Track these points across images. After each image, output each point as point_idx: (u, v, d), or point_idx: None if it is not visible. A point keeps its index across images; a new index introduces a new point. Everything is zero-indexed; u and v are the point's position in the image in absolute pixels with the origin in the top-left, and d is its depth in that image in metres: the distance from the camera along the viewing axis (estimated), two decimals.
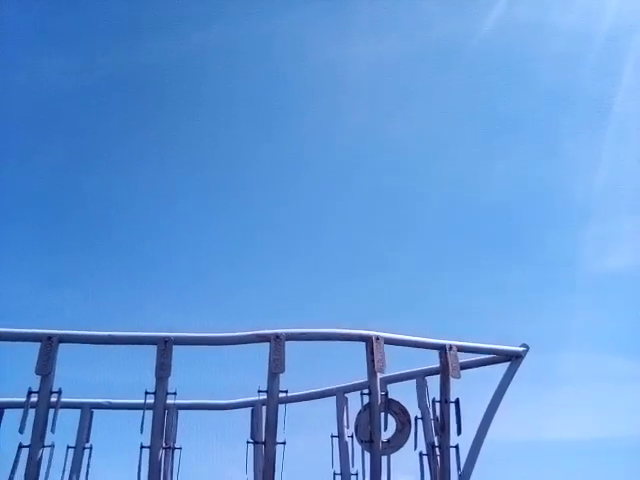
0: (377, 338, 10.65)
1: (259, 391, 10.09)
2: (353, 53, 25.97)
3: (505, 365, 11.87)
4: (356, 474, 10.92)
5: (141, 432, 9.70)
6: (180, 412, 11.45)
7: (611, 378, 22.64)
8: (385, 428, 10.73)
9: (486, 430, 11.26)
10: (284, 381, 10.27)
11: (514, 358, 11.73)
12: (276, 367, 9.90)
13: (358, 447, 11.05)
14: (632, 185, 26.28)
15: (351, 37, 25.98)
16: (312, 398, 12.27)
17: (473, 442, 11.12)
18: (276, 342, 9.97)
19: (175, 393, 10.12)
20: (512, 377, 11.63)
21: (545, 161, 27.86)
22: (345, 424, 11.53)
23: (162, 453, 9.91)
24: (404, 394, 11.88)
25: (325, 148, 27.96)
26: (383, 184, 28.13)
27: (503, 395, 11.50)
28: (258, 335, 10.11)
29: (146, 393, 9.97)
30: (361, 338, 10.66)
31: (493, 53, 26.24)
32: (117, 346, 10.40)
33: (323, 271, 26.81)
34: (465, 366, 11.46)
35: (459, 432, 10.79)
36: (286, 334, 10.05)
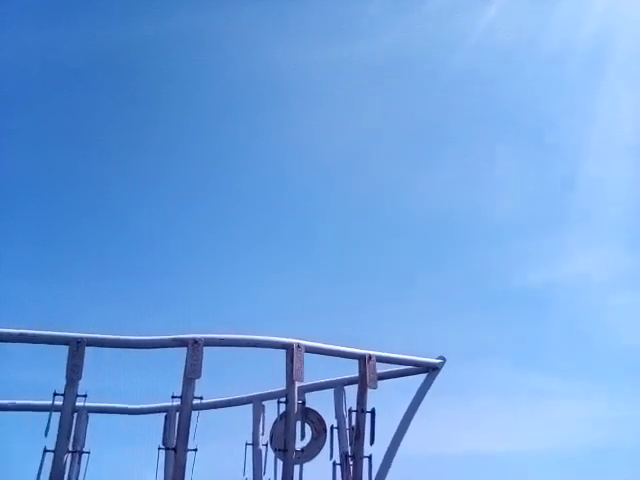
0: (298, 346, 10.62)
1: (173, 397, 9.90)
2: (291, 57, 26.00)
3: (422, 376, 12.07)
4: None
5: (45, 435, 9.33)
6: (91, 415, 11.11)
7: (524, 392, 23.36)
8: (303, 437, 10.73)
9: (400, 441, 11.38)
10: (200, 387, 10.22)
11: (431, 370, 11.91)
12: (192, 372, 9.73)
13: (272, 455, 10.97)
14: (546, 208, 27.42)
15: (289, 40, 26.04)
16: (228, 405, 12.12)
17: (386, 453, 11.22)
18: (194, 347, 9.81)
19: (85, 395, 9.81)
20: (428, 389, 11.81)
21: (469, 179, 28.60)
22: (260, 432, 11.42)
23: (68, 457, 9.58)
24: (322, 403, 11.95)
25: (256, 154, 27.87)
26: (306, 192, 28.30)
27: (418, 406, 11.65)
28: (176, 339, 9.92)
29: (54, 395, 9.62)
30: (282, 346, 10.61)
31: (435, 69, 26.70)
32: (27, 345, 9.99)
33: (242, 276, 26.75)
34: (383, 376, 11.59)
35: (372, 442, 10.88)
36: (205, 339, 9.90)
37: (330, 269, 27.36)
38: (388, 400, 12.56)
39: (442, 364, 11.97)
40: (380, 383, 11.63)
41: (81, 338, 9.62)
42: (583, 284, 26.32)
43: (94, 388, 10.32)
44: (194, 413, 9.90)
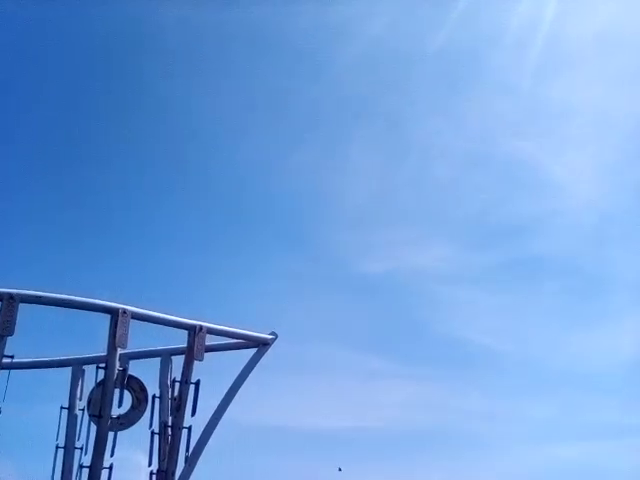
0: (124, 312, 10.27)
1: None
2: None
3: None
4: (81, 448, 10.43)
5: None
6: None
7: (358, 373, 24.34)
8: (120, 404, 10.47)
9: (222, 413, 11.36)
10: (23, 348, 9.80)
11: (261, 345, 11.96)
12: (3, 329, 9.15)
13: (89, 421, 10.64)
14: (395, 202, 28.63)
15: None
16: (45, 366, 11.47)
17: (207, 424, 11.17)
18: (9, 303, 9.21)
19: None
20: (256, 363, 11.83)
21: (332, 165, 29.14)
22: (78, 396, 10.95)
23: None
24: (152, 372, 11.69)
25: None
26: (181, 157, 27.57)
27: (244, 380, 11.67)
28: None
29: None
30: (106, 310, 10.23)
31: (329, 56, 26.60)
32: None
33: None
34: (212, 349, 11.50)
35: (193, 413, 10.82)
36: (21, 296, 9.33)
37: (186, 241, 27.01)
38: (220, 372, 12.56)
39: (273, 340, 12.04)
40: (214, 355, 11.67)
41: None
42: (422, 276, 27.78)
43: None
44: (4, 372, 9.40)
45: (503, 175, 29.32)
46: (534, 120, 28.02)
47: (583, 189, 28.39)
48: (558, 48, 25.55)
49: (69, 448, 10.44)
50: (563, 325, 27.70)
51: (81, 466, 10.13)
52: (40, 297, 9.56)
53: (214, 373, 12.23)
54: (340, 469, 17.10)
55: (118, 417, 10.53)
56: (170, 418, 10.80)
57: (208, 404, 11.63)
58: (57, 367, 11.36)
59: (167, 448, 10.65)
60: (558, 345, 26.96)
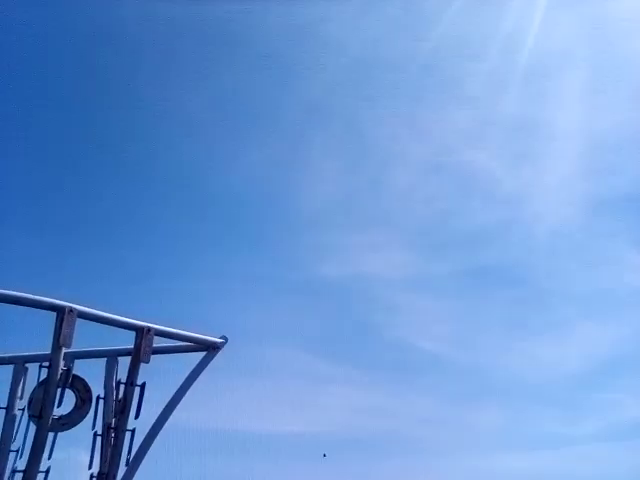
0: (70, 310, 10.04)
1: None
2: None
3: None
4: (17, 450, 10.10)
5: None
6: None
7: (309, 377, 24.32)
8: (60, 404, 10.20)
9: (167, 416, 11.21)
10: None
11: (211, 348, 11.84)
12: None
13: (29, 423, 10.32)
14: (359, 205, 28.78)
15: None
16: None
17: (151, 428, 11.01)
18: None
19: None
20: (205, 367, 11.71)
21: (293, 165, 29.09)
22: (18, 396, 10.63)
23: None
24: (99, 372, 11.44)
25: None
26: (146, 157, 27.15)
27: (191, 384, 11.53)
28: None
29: None
30: (51, 307, 9.97)
31: (270, 51, 26.44)
32: None
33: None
34: (160, 351, 11.35)
35: (137, 416, 10.64)
36: None
37: (147, 239, 26.67)
38: (169, 374, 12.38)
39: (223, 343, 11.94)
40: (164, 357, 11.51)
41: None
42: (377, 281, 27.96)
43: None
44: None
45: (458, 184, 29.77)
46: (490, 132, 28.51)
47: (534, 202, 29.04)
48: (517, 62, 25.99)
49: (3, 450, 10.03)
50: (511, 335, 28.28)
51: (14, 470, 9.78)
52: None
53: (162, 376, 12.08)
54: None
55: (59, 418, 10.27)
56: (114, 420, 10.61)
57: (155, 407, 11.50)
58: None
59: (109, 450, 10.46)
60: (506, 355, 27.50)
